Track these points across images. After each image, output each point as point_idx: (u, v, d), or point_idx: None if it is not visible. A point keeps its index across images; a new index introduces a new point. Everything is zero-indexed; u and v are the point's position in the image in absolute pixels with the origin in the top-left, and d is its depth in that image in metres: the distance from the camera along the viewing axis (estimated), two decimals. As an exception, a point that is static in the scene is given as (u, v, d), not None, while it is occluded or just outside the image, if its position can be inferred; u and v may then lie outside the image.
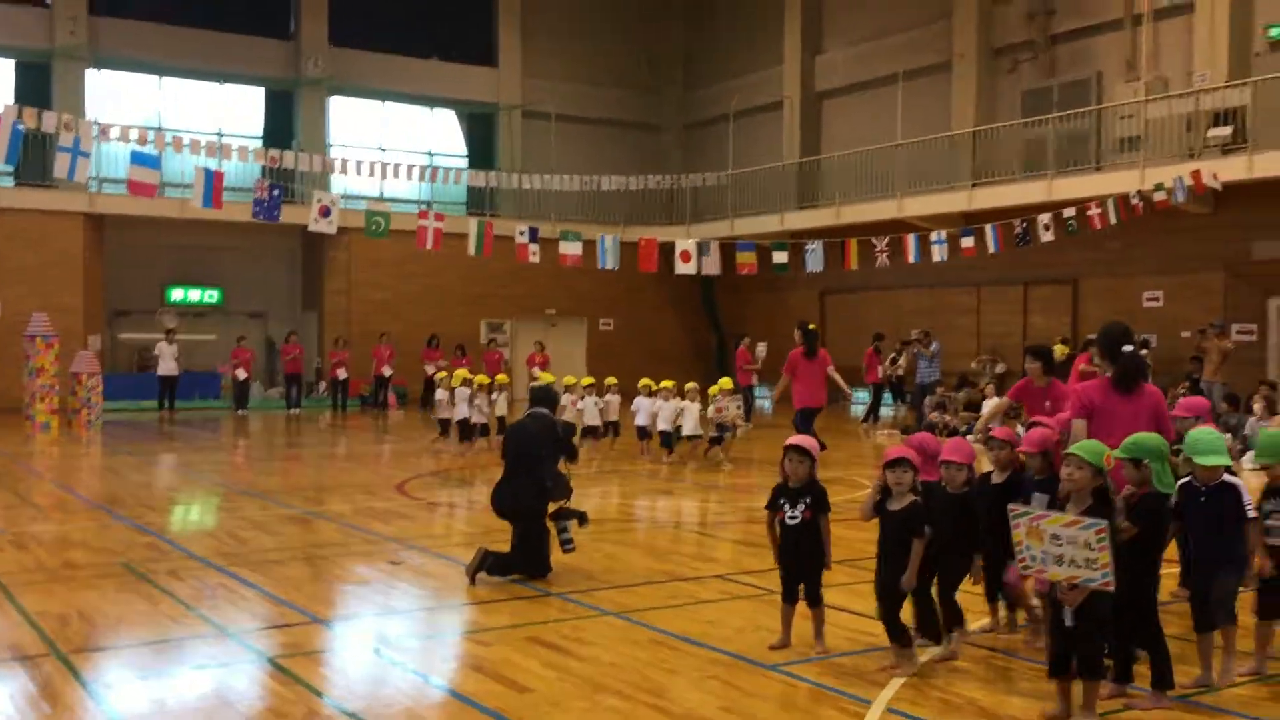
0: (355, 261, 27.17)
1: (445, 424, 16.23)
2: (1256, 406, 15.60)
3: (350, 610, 7.25)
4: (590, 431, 15.47)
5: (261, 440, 19.32)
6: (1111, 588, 4.90)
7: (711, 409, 14.75)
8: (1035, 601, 6.21)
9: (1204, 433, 5.63)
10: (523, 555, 7.87)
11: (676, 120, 32.70)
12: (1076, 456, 5.20)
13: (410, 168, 26.13)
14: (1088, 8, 22.93)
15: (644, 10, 32.34)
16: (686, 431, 14.87)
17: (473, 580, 7.68)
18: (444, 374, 18.41)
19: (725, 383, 15.03)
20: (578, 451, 8.78)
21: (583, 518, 8.16)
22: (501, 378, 16.61)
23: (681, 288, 29.67)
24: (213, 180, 11.59)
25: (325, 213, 12.49)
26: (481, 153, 30.37)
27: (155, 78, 27.43)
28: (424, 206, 25.89)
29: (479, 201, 28.40)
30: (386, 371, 25.43)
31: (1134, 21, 21.85)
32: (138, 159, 11.68)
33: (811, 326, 14.01)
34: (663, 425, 14.83)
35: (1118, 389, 6.27)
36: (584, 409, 15.56)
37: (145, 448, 17.36)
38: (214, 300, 27.53)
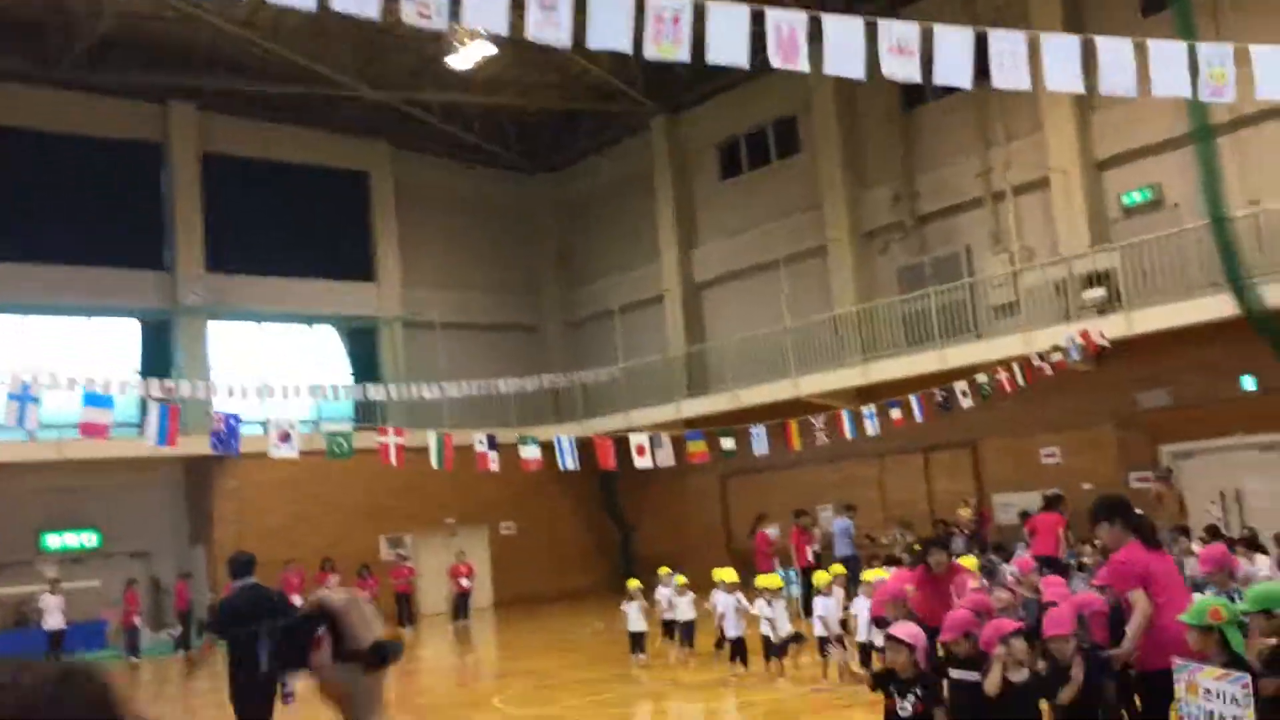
0: (246, 488, 26.13)
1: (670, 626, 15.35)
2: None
3: None
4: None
5: (207, 687, 17.90)
6: None
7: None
8: None
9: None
10: None
11: (557, 319, 33.16)
12: (1187, 625, 5.35)
13: (297, 388, 25.58)
14: (948, 190, 24.49)
15: (520, 214, 33.10)
16: (785, 634, 12.42)
17: None
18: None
19: (838, 569, 13.19)
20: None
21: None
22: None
23: (577, 483, 29.37)
24: (167, 416, 11.09)
25: (285, 438, 12.04)
26: (364, 365, 30.02)
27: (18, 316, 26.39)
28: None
29: (368, 415, 27.86)
30: (298, 600, 24.20)
31: (994, 199, 23.46)
32: (91, 400, 11.07)
33: (916, 548, 8.74)
34: (733, 630, 12.83)
35: (1151, 549, 6.57)
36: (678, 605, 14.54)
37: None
38: (92, 544, 25.92)
